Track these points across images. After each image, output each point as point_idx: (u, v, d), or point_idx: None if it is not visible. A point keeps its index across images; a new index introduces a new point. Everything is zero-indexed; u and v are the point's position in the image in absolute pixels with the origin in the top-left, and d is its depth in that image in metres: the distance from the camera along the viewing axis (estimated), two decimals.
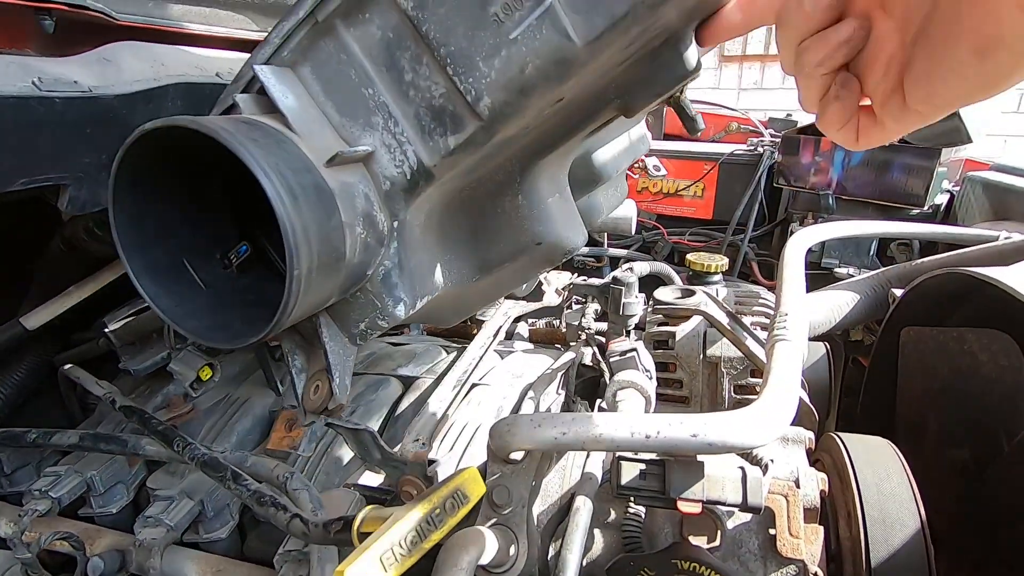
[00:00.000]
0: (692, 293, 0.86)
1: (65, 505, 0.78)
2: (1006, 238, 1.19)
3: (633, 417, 0.50)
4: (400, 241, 0.61)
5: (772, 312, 0.94)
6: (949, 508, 0.90)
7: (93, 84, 0.54)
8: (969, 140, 1.49)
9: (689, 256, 1.61)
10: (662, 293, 0.88)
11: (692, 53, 0.59)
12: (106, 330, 0.96)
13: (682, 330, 0.91)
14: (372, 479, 0.84)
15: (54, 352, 1.09)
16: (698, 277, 1.57)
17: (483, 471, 0.73)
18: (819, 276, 1.71)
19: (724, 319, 0.81)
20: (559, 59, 0.47)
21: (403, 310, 0.62)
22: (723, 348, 0.88)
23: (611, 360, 0.63)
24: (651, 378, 0.62)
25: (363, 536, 0.41)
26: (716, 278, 1.58)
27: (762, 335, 0.86)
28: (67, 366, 0.97)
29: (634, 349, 0.63)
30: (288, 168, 0.46)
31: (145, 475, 0.90)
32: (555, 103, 0.56)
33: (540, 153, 0.70)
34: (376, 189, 0.56)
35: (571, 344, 1.14)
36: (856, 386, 1.29)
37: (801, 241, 1.06)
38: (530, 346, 1.16)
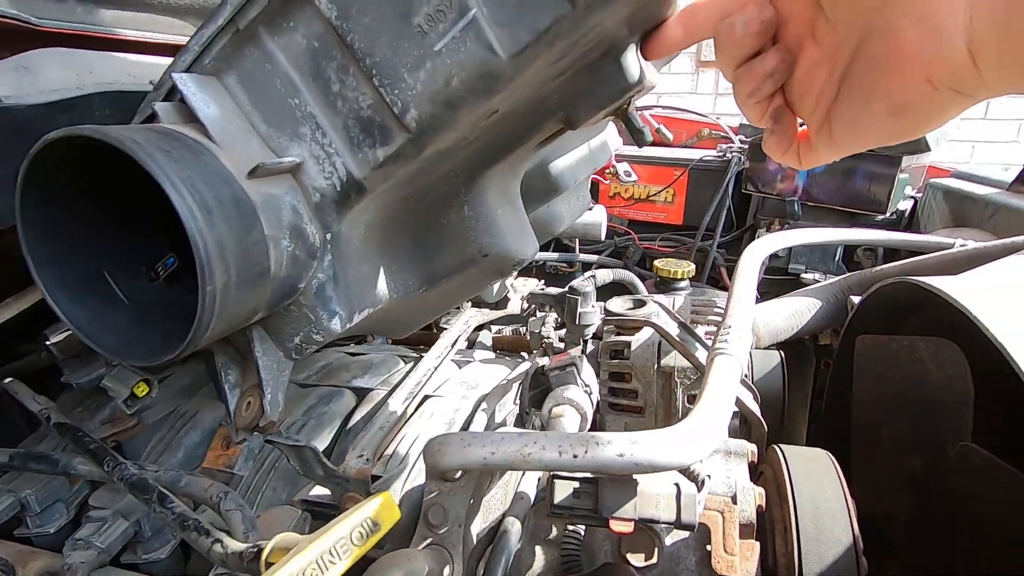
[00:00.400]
0: (644, 304, 0.86)
1: None
2: (961, 245, 1.20)
3: (562, 436, 0.49)
4: (335, 253, 0.60)
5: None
6: (903, 517, 0.91)
7: (5, 93, 0.52)
8: (928, 149, 1.51)
9: (656, 262, 1.62)
10: (614, 304, 0.87)
11: (633, 66, 0.58)
12: (48, 343, 0.93)
13: (637, 340, 0.91)
14: (319, 491, 0.82)
15: None
16: (665, 283, 1.58)
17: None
18: (787, 281, 1.73)
19: (675, 330, 0.81)
20: (484, 72, 0.47)
21: (339, 324, 0.61)
22: (677, 359, 0.88)
23: (551, 375, 0.62)
24: (590, 393, 0.62)
25: (270, 566, 0.39)
26: (683, 284, 1.59)
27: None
28: (7, 380, 0.93)
29: (573, 363, 0.62)
30: (203, 180, 0.44)
31: (88, 493, 0.88)
32: (489, 116, 0.55)
33: (485, 164, 0.69)
34: (306, 201, 0.55)
35: (535, 352, 1.13)
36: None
37: (757, 251, 1.06)
38: (490, 355, 1.14)
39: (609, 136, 1.24)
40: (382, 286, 0.68)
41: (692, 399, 0.88)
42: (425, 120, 0.49)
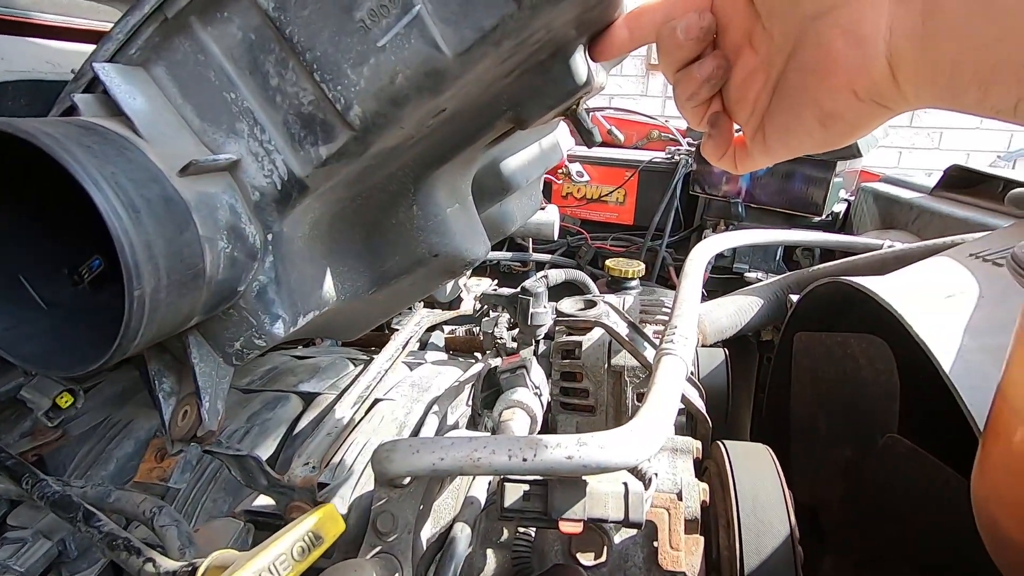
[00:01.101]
0: (594, 304, 0.87)
1: None
2: (889, 247, 1.28)
3: (511, 440, 0.49)
4: (276, 254, 0.57)
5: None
6: (835, 506, 0.96)
7: None
8: (860, 155, 1.60)
9: (608, 262, 1.64)
10: (565, 305, 0.88)
11: (582, 67, 0.59)
12: None
13: (588, 340, 0.92)
14: (267, 501, 0.79)
15: None
16: (616, 282, 1.61)
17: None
18: (731, 280, 1.79)
19: (624, 330, 0.82)
20: (430, 70, 0.46)
21: (282, 327, 0.59)
22: (626, 358, 0.89)
23: (501, 377, 0.62)
24: (540, 395, 0.62)
25: None
26: (633, 283, 1.62)
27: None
28: None
29: (523, 365, 0.63)
30: (128, 178, 0.41)
31: (5, 512, 0.81)
32: (436, 114, 0.54)
33: (434, 164, 0.68)
34: (244, 200, 0.52)
35: (487, 353, 1.13)
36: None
37: (703, 251, 1.09)
38: (442, 356, 1.13)
39: (561, 136, 1.25)
40: (329, 288, 0.66)
41: (641, 397, 0.89)
42: (369, 117, 0.48)
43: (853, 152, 1.57)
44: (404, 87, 0.46)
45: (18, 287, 0.50)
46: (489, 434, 0.72)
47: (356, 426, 0.82)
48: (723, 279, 1.82)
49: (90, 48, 0.75)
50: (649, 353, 0.82)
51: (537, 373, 0.64)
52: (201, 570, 0.39)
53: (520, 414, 0.58)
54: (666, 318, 0.98)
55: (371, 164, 0.57)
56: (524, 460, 0.48)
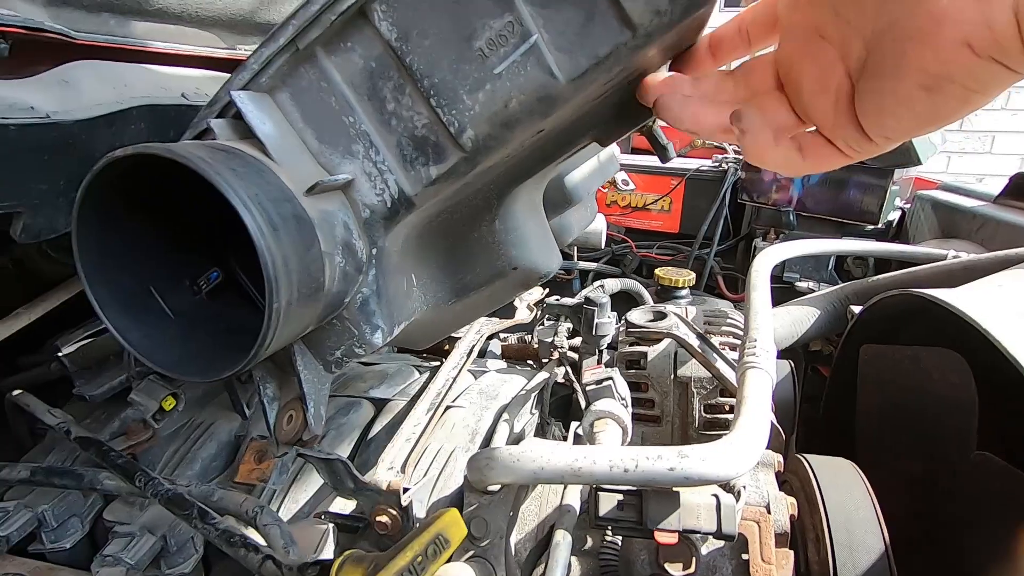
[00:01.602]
0: (664, 315, 0.88)
1: (14, 543, 0.74)
2: (954, 257, 1.25)
3: (612, 450, 0.50)
4: (378, 268, 0.60)
5: (740, 332, 0.97)
6: (901, 521, 0.94)
7: (51, 109, 0.52)
8: (919, 162, 1.57)
9: (657, 271, 1.64)
10: (634, 316, 0.89)
11: None
12: (60, 354, 0.92)
13: (654, 350, 0.93)
14: (342, 504, 0.82)
15: None
16: (666, 291, 1.61)
17: (457, 499, 0.72)
18: (782, 290, 1.77)
19: (695, 341, 0.83)
20: (543, 95, 0.48)
21: (380, 337, 0.62)
22: (693, 368, 0.90)
23: (587, 389, 0.63)
24: (627, 406, 0.63)
25: None
26: (683, 292, 1.62)
27: (731, 355, 0.88)
28: (16, 392, 0.91)
29: (610, 378, 0.64)
30: (268, 198, 0.45)
31: (101, 506, 0.86)
32: (536, 134, 0.57)
33: (518, 179, 0.71)
34: (355, 217, 0.55)
35: (543, 361, 1.15)
36: (816, 394, 1.34)
37: (765, 261, 1.09)
38: (502, 364, 1.15)
39: (615, 147, 1.26)
40: (417, 298, 0.69)
41: (709, 408, 0.90)
42: (481, 140, 0.50)
43: (912, 159, 1.54)
44: (517, 112, 0.48)
45: (148, 298, 0.54)
46: (566, 443, 0.73)
47: (431, 432, 0.85)
48: (774, 288, 1.80)
49: (192, 72, 0.80)
50: (720, 365, 0.83)
51: (622, 385, 0.65)
52: (336, 565, 0.41)
53: (612, 425, 0.59)
54: (732, 329, 0.98)
55: (469, 182, 0.59)
56: (625, 471, 0.49)
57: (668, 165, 2.10)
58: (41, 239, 0.58)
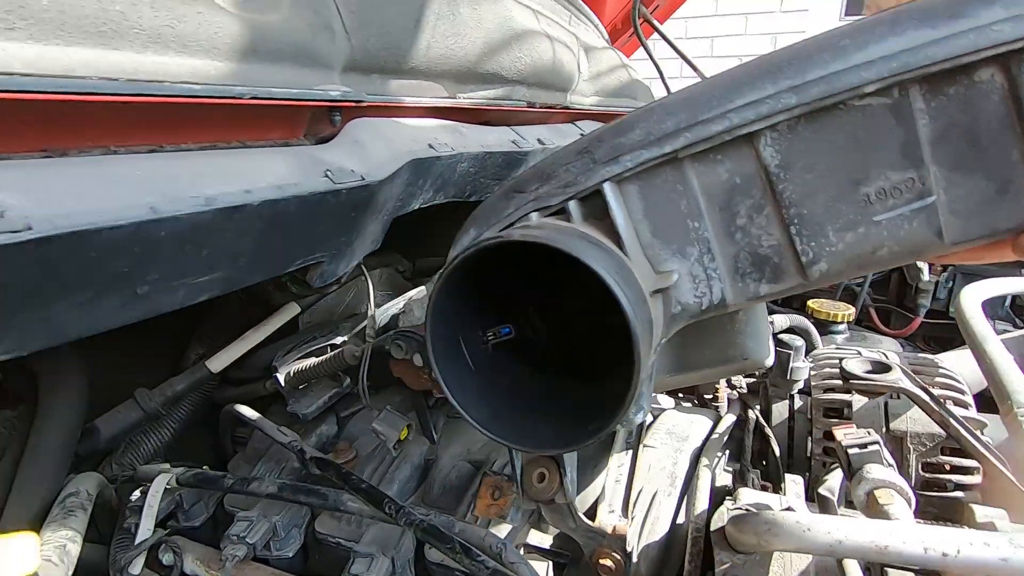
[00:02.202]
0: (887, 367, 0.83)
1: (259, 550, 0.81)
2: None
3: (924, 531, 0.47)
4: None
5: (958, 386, 0.90)
6: None
7: (363, 171, 0.56)
8: None
9: (810, 303, 1.57)
10: (852, 365, 0.85)
11: None
12: (277, 375, 1.00)
13: (859, 400, 0.88)
14: (537, 537, 0.84)
15: (211, 389, 1.14)
16: (822, 326, 1.52)
17: (666, 545, 0.72)
18: (950, 326, 1.63)
19: (923, 396, 0.78)
20: (918, 251, 0.47)
21: (641, 415, 0.62)
22: (909, 423, 0.84)
23: (850, 453, 0.61)
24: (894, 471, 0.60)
25: None
26: (841, 327, 1.53)
27: (955, 410, 0.82)
28: (236, 406, 1.01)
29: (876, 441, 0.61)
30: (636, 299, 0.45)
31: (311, 519, 0.93)
32: None
33: None
34: (666, 312, 0.55)
35: (705, 396, 1.12)
36: None
37: (973, 299, 1.01)
38: (671, 402, 1.14)
39: None
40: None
41: (927, 467, 0.84)
42: (830, 274, 0.49)
43: None
44: (883, 259, 0.47)
45: (458, 351, 0.56)
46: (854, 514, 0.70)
47: (633, 474, 0.85)
48: (937, 324, 1.67)
49: (429, 122, 0.85)
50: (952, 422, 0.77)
51: (884, 451, 0.62)
52: None
53: (898, 499, 0.56)
54: (946, 381, 0.91)
55: None
56: (944, 555, 0.46)
57: None
58: (326, 282, 0.64)
